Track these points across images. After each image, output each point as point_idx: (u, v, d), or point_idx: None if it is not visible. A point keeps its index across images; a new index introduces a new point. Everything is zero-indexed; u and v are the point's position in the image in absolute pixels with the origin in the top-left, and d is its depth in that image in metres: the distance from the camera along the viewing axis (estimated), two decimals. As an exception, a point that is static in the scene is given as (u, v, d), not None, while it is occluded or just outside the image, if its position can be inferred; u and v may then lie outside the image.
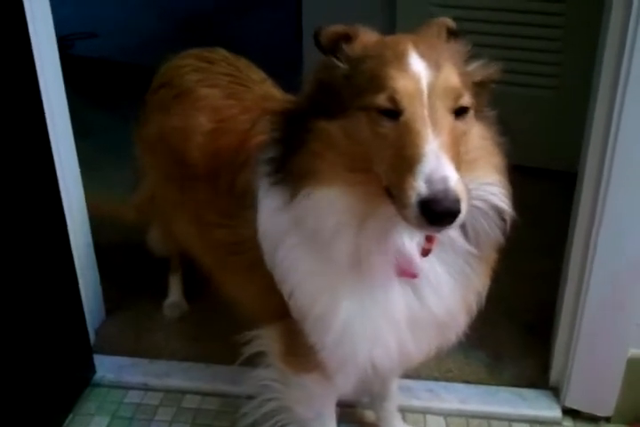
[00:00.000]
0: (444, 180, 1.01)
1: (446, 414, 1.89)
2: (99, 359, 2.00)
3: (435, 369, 1.97)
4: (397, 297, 1.27)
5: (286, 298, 1.32)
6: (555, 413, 1.88)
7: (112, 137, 2.58)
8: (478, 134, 1.19)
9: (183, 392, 1.94)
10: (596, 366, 1.80)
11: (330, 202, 1.18)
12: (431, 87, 1.07)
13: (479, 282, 1.32)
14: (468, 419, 1.88)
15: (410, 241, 1.19)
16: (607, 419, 1.86)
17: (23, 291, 1.63)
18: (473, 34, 1.29)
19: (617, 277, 1.70)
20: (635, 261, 1.68)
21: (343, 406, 1.77)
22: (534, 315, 2.16)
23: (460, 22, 1.26)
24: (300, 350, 1.39)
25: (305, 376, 1.45)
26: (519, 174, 1.25)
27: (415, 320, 1.29)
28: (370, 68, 1.12)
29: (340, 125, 1.15)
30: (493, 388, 1.95)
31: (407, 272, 1.23)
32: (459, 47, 1.20)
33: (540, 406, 1.89)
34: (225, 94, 1.70)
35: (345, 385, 1.43)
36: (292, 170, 1.20)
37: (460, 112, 1.11)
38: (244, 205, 1.36)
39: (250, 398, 1.61)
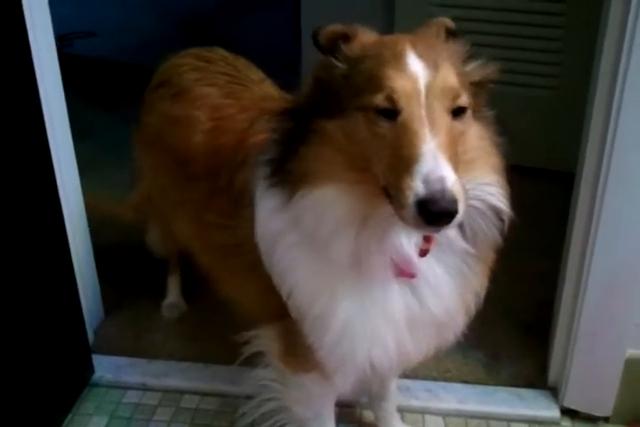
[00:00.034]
0: (442, 180, 1.01)
1: (445, 414, 1.89)
2: (97, 359, 1.99)
3: (433, 369, 1.97)
4: (396, 297, 1.27)
5: (285, 298, 1.32)
6: (553, 413, 1.88)
7: (111, 137, 2.58)
8: (476, 134, 1.19)
9: (182, 392, 1.94)
10: (595, 366, 1.80)
11: (328, 202, 1.18)
12: (429, 87, 1.08)
13: (477, 282, 1.32)
14: (466, 419, 1.88)
15: (408, 241, 1.19)
16: (605, 419, 1.86)
17: (22, 291, 1.63)
18: (472, 34, 1.30)
19: (615, 277, 1.70)
20: (633, 262, 1.68)
21: (342, 406, 1.77)
22: (532, 315, 2.16)
23: (460, 22, 1.26)
24: (299, 350, 1.39)
25: (304, 376, 1.45)
26: (517, 174, 1.25)
27: (414, 320, 1.29)
28: (368, 68, 1.12)
29: (338, 125, 1.15)
30: (492, 388, 1.95)
31: (405, 272, 1.23)
32: (457, 47, 1.20)
33: (539, 406, 1.89)
34: (223, 93, 1.70)
35: (344, 385, 1.43)
36: (291, 170, 1.20)
37: (457, 112, 1.11)
38: (242, 204, 1.36)
39: (248, 398, 1.61)
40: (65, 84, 1.84)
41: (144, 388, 1.95)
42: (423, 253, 1.21)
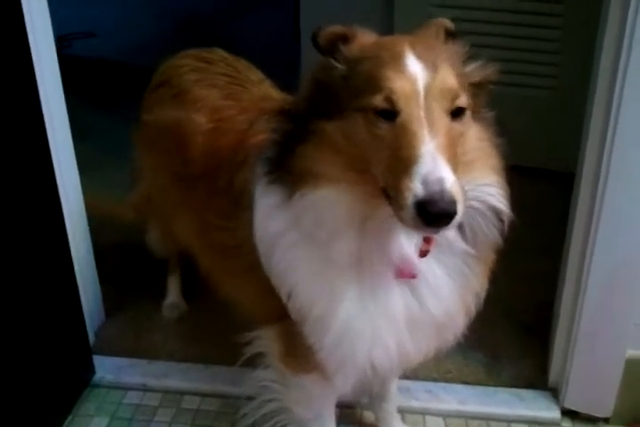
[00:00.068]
0: (440, 181, 1.01)
1: (445, 415, 1.89)
2: (98, 360, 1.99)
3: (433, 370, 1.97)
4: (396, 298, 1.27)
5: (284, 299, 1.32)
6: (553, 414, 1.88)
7: (111, 137, 2.58)
8: (475, 136, 1.19)
9: (182, 393, 1.94)
10: (595, 366, 1.80)
11: (328, 202, 1.18)
12: (428, 88, 1.08)
13: (477, 283, 1.32)
14: (467, 420, 1.88)
15: (408, 242, 1.19)
16: (606, 420, 1.86)
17: (23, 292, 1.63)
18: (471, 34, 1.30)
19: (615, 277, 1.70)
20: (633, 262, 1.68)
21: (342, 407, 1.77)
22: (532, 315, 2.16)
23: (459, 23, 1.26)
24: (300, 351, 1.39)
25: (304, 377, 1.45)
26: (517, 175, 1.25)
27: (414, 321, 1.29)
28: (367, 69, 1.12)
29: (337, 126, 1.15)
30: (492, 389, 1.95)
31: (406, 273, 1.23)
32: (456, 48, 1.20)
33: (539, 406, 1.89)
34: (223, 95, 1.70)
35: (344, 386, 1.43)
36: (290, 170, 1.20)
37: (456, 113, 1.11)
38: (242, 205, 1.36)
39: (249, 398, 1.61)
40: (64, 84, 1.84)
41: (145, 389, 1.95)
42: (423, 253, 1.22)
